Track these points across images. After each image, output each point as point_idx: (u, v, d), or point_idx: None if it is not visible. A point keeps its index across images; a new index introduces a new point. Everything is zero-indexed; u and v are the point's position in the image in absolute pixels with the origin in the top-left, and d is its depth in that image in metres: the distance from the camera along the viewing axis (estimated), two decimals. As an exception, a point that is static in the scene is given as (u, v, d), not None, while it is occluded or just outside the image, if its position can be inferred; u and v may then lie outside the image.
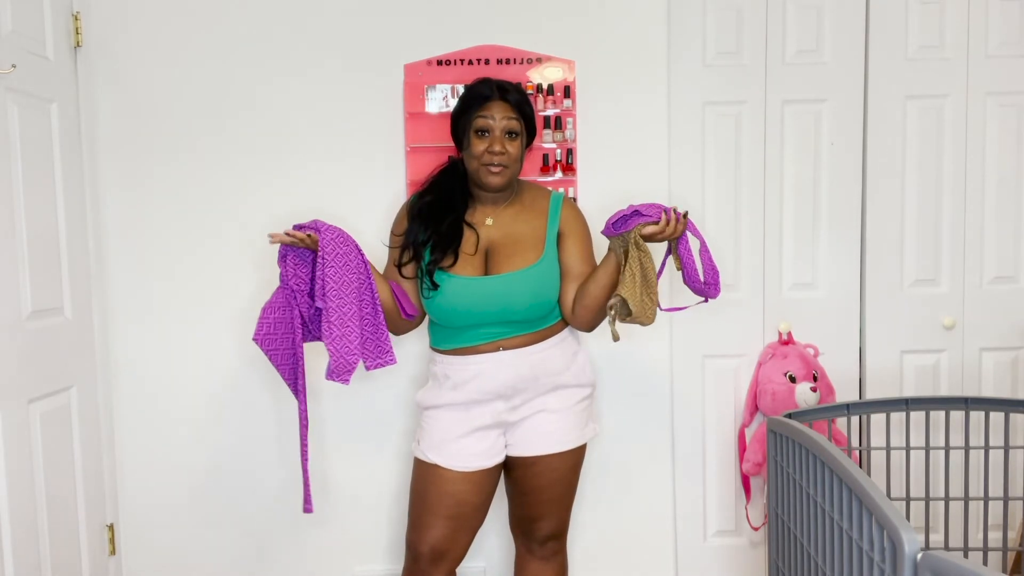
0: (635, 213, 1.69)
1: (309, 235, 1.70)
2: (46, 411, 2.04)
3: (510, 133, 1.80)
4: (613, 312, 1.74)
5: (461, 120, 1.83)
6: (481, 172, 1.80)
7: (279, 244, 1.72)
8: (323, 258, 1.69)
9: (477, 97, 1.81)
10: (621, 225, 1.70)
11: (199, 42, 2.30)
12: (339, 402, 2.38)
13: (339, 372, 1.72)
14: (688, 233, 1.74)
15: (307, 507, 1.87)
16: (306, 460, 1.85)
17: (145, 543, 2.40)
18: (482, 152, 1.78)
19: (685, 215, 1.69)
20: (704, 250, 1.77)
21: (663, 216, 1.66)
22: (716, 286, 1.78)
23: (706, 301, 1.84)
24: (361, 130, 2.33)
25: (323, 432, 2.37)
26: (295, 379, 1.84)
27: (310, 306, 1.79)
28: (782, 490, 1.86)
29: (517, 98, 1.82)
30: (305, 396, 1.84)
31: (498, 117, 1.78)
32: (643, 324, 1.74)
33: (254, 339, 1.80)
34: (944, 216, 2.46)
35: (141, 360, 2.36)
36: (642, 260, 1.71)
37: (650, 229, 1.66)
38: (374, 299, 1.76)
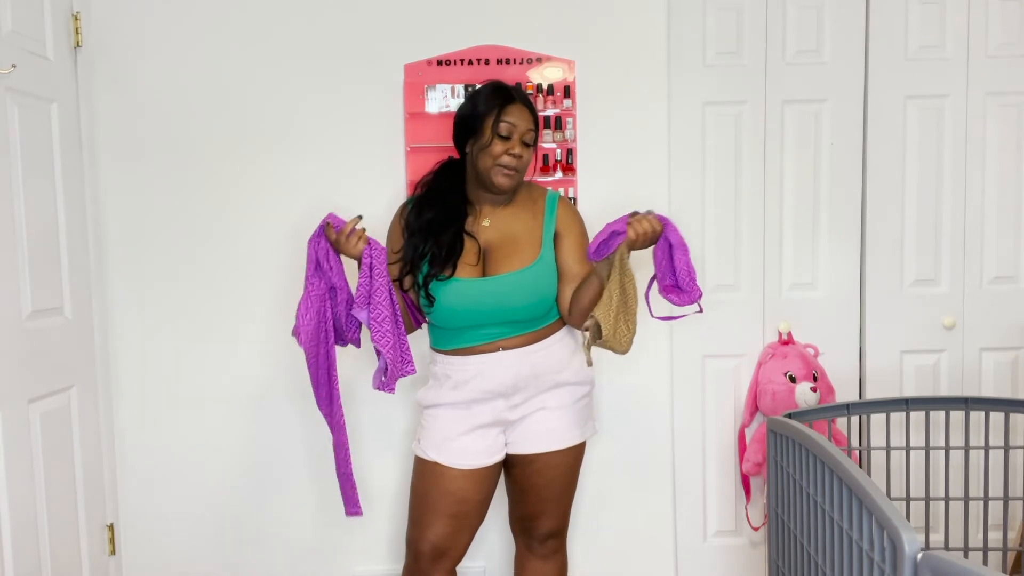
0: (613, 234, 1.66)
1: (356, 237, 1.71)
2: (46, 411, 2.04)
3: (526, 142, 1.81)
4: (588, 335, 1.72)
5: (479, 118, 1.80)
6: (494, 172, 1.79)
7: (318, 239, 1.73)
8: (376, 267, 1.70)
9: (501, 99, 1.80)
10: (604, 249, 1.67)
11: (199, 42, 2.30)
12: (345, 403, 2.37)
13: (390, 382, 1.75)
14: (670, 239, 1.70)
15: (351, 509, 1.90)
16: (346, 463, 1.88)
17: (145, 543, 2.40)
18: (501, 153, 1.78)
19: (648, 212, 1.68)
20: (681, 251, 1.70)
21: (627, 224, 1.65)
22: (692, 292, 1.72)
23: (700, 310, 1.81)
24: (361, 130, 2.33)
25: (324, 431, 2.37)
26: (329, 382, 1.83)
27: (348, 306, 1.78)
28: (782, 490, 1.86)
29: (536, 112, 1.85)
30: (339, 398, 1.84)
31: (520, 122, 1.79)
32: (616, 351, 1.72)
33: (295, 335, 1.77)
34: (944, 216, 2.46)
35: (141, 360, 2.36)
36: (623, 283, 1.69)
37: (633, 236, 1.65)
38: (396, 308, 1.77)
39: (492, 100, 1.80)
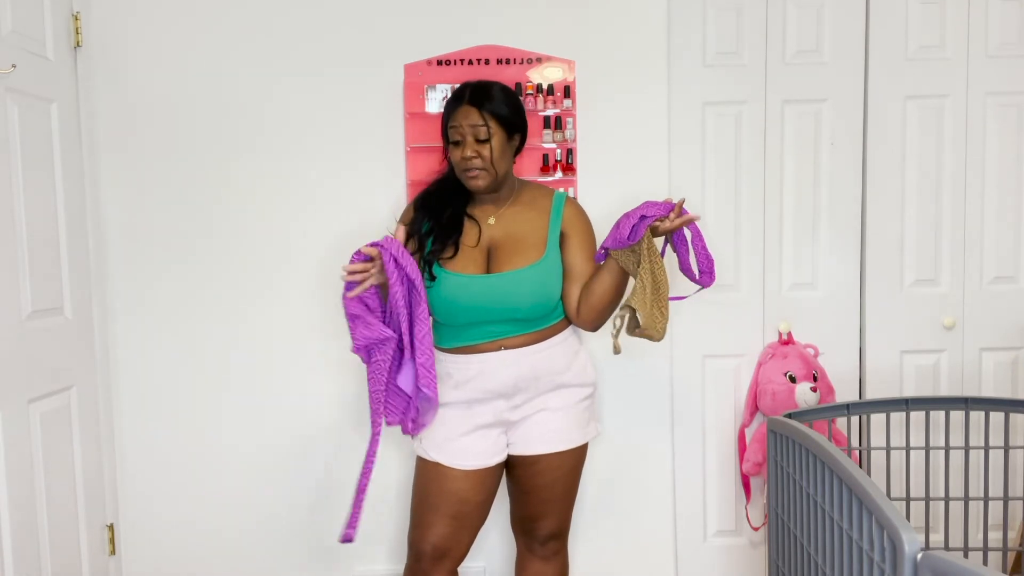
0: (642, 218, 1.68)
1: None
2: (46, 411, 2.04)
3: (478, 139, 1.79)
4: (620, 324, 1.73)
5: (441, 130, 1.87)
6: (463, 178, 1.83)
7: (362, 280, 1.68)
8: (418, 311, 1.70)
9: (451, 103, 1.84)
10: (636, 233, 1.68)
11: (199, 42, 2.30)
12: (342, 401, 2.38)
13: (419, 427, 1.81)
14: (690, 228, 1.75)
15: (347, 534, 1.79)
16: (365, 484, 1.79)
17: (145, 543, 2.40)
18: (459, 160, 1.81)
19: (681, 202, 1.71)
20: (698, 238, 1.77)
21: (673, 209, 1.68)
22: (711, 274, 1.79)
23: (703, 287, 1.84)
24: (361, 130, 2.33)
25: (325, 431, 2.37)
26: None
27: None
28: (782, 490, 1.86)
29: (488, 106, 1.80)
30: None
31: (464, 124, 1.79)
32: (652, 339, 1.76)
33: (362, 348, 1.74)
34: (944, 216, 2.46)
35: (141, 360, 2.36)
36: (654, 270, 1.71)
37: (665, 226, 1.68)
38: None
39: (446, 107, 1.85)
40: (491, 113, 1.80)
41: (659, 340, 1.76)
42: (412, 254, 1.86)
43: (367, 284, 1.67)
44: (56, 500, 2.07)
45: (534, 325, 1.83)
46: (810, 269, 2.47)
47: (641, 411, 2.43)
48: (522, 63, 2.31)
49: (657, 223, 1.68)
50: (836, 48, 2.42)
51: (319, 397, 2.37)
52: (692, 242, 1.76)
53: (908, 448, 2.12)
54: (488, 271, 1.82)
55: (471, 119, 1.79)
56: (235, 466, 2.39)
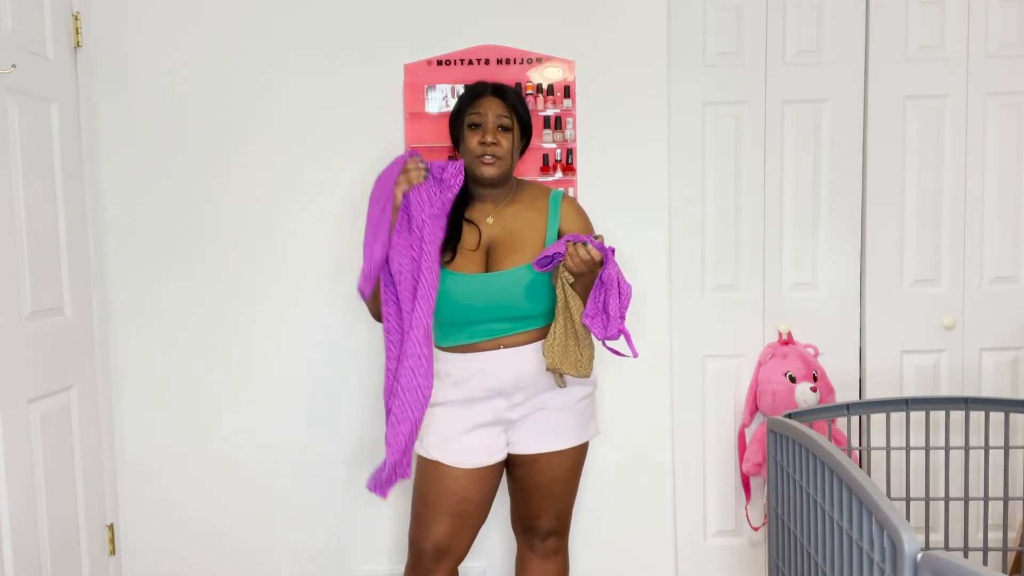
0: (557, 253, 1.70)
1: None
2: (46, 411, 2.04)
3: (502, 127, 1.84)
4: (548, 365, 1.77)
5: (456, 117, 1.89)
6: (475, 164, 1.84)
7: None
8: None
9: (471, 94, 1.88)
10: (546, 263, 1.73)
11: (199, 42, 2.30)
12: (344, 402, 2.37)
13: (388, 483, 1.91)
14: (601, 276, 1.71)
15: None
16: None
17: (145, 543, 2.40)
18: (475, 144, 1.82)
19: (592, 239, 1.69)
20: (613, 290, 1.69)
21: (569, 247, 1.69)
22: (610, 329, 1.71)
23: (635, 355, 1.79)
24: (361, 130, 2.33)
25: (323, 429, 2.37)
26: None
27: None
28: (782, 490, 1.86)
29: (512, 99, 1.87)
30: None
31: (489, 111, 1.84)
32: (575, 375, 1.77)
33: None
34: (944, 216, 2.46)
35: (141, 360, 2.36)
36: (570, 308, 1.73)
37: (568, 264, 1.70)
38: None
39: (464, 98, 1.89)
40: (513, 108, 1.87)
41: (585, 377, 1.78)
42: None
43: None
44: (56, 500, 2.07)
45: (533, 323, 1.83)
46: (810, 269, 2.47)
47: (641, 411, 2.43)
48: (522, 63, 2.31)
49: (568, 264, 1.69)
50: (836, 48, 2.42)
51: (320, 397, 2.37)
52: (607, 294, 1.70)
53: (908, 448, 2.12)
54: (488, 270, 1.82)
55: (496, 109, 1.85)
56: (235, 466, 2.39)
